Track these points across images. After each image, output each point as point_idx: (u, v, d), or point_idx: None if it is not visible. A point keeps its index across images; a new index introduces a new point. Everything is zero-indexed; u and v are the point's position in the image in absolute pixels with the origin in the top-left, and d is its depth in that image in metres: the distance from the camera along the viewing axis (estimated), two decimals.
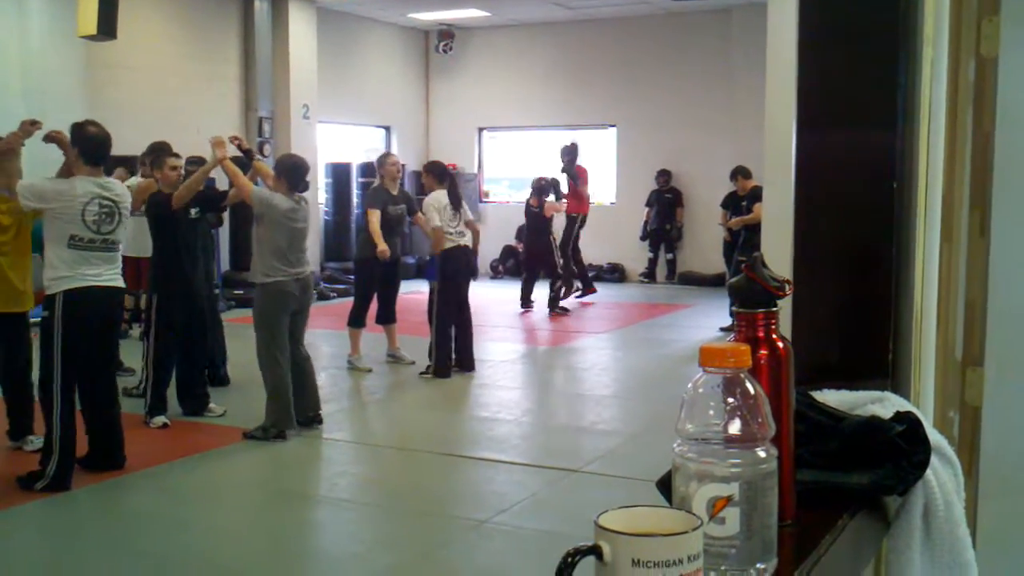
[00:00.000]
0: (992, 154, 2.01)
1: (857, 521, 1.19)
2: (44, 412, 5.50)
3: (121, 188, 5.78)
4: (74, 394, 5.53)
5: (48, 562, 4.78)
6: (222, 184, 8.36)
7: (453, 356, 8.68)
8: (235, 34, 14.61)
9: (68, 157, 5.80)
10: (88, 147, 5.54)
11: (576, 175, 13.33)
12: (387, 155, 9.07)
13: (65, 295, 5.37)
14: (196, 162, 7.85)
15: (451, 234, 8.47)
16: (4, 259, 5.89)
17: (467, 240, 8.62)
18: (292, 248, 6.62)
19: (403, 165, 16.82)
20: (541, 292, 12.91)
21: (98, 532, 5.15)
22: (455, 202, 8.54)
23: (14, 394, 6.16)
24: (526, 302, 12.92)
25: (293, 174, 6.73)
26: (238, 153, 7.40)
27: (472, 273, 8.83)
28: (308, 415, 6.86)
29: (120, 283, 5.68)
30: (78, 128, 5.62)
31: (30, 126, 5.78)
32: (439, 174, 8.74)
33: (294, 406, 6.80)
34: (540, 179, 12.76)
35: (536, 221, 12.56)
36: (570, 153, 13.47)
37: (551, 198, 12.70)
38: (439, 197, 8.50)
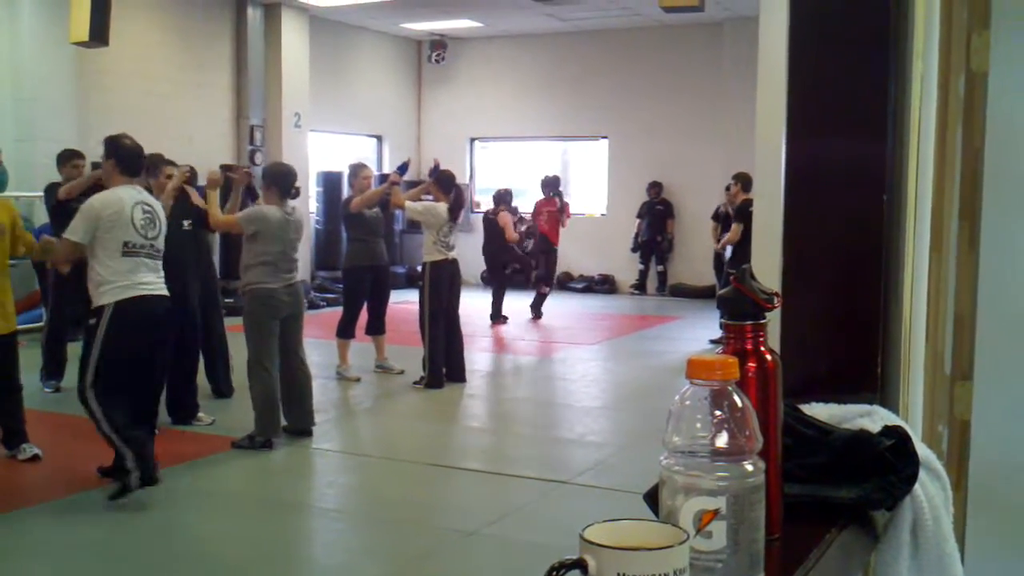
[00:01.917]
0: (982, 168, 2.01)
1: (845, 536, 1.18)
2: (95, 425, 5.41)
3: (152, 197, 5.86)
4: (114, 400, 5.45)
5: (37, 569, 4.75)
6: None
7: (444, 368, 8.68)
8: (227, 42, 14.60)
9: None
10: (124, 158, 5.63)
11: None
12: (361, 167, 9.03)
13: (116, 306, 5.35)
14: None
15: (442, 248, 8.48)
16: None
17: (456, 254, 8.64)
18: (284, 258, 6.63)
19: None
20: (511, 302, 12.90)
21: (85, 539, 5.11)
22: (454, 216, 8.56)
23: (3, 403, 6.09)
24: (497, 315, 12.75)
25: (283, 181, 6.75)
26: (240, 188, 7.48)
27: (459, 287, 8.84)
28: (298, 427, 6.83)
29: (166, 292, 5.66)
30: (113, 140, 5.71)
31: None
32: (446, 187, 8.74)
33: (287, 415, 6.78)
34: (500, 190, 12.93)
35: (491, 228, 12.49)
36: (552, 185, 13.72)
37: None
38: (439, 210, 8.51)
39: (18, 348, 6.17)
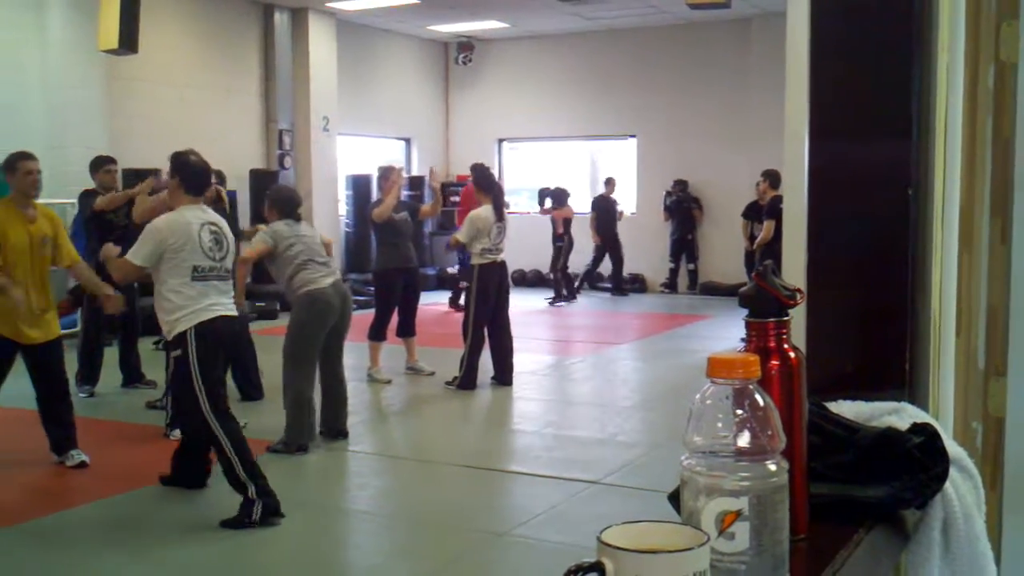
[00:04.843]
0: (1013, 160, 1.98)
1: (873, 535, 1.16)
2: (216, 450, 5.26)
3: (218, 215, 5.63)
4: (231, 417, 5.32)
5: (72, 572, 4.79)
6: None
7: (492, 372, 8.72)
8: (255, 47, 14.69)
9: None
10: (189, 176, 5.41)
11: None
12: (391, 169, 9.05)
13: (197, 330, 5.15)
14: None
15: (490, 251, 8.49)
16: (35, 295, 5.89)
17: (504, 256, 8.65)
18: (314, 253, 6.64)
19: (423, 177, 17.00)
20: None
21: (120, 542, 5.15)
22: (499, 214, 8.57)
23: (53, 410, 6.13)
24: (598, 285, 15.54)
25: (286, 205, 6.80)
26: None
27: (508, 290, 8.85)
28: (335, 428, 6.85)
29: (235, 313, 5.50)
30: (179, 157, 5.47)
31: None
32: (486, 185, 8.81)
33: (322, 417, 6.80)
34: (610, 177, 15.73)
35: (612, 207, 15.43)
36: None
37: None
38: (485, 216, 8.54)
39: (63, 353, 6.24)
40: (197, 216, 5.33)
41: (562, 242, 14.94)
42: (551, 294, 14.99)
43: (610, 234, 15.39)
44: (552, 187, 15.27)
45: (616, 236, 15.46)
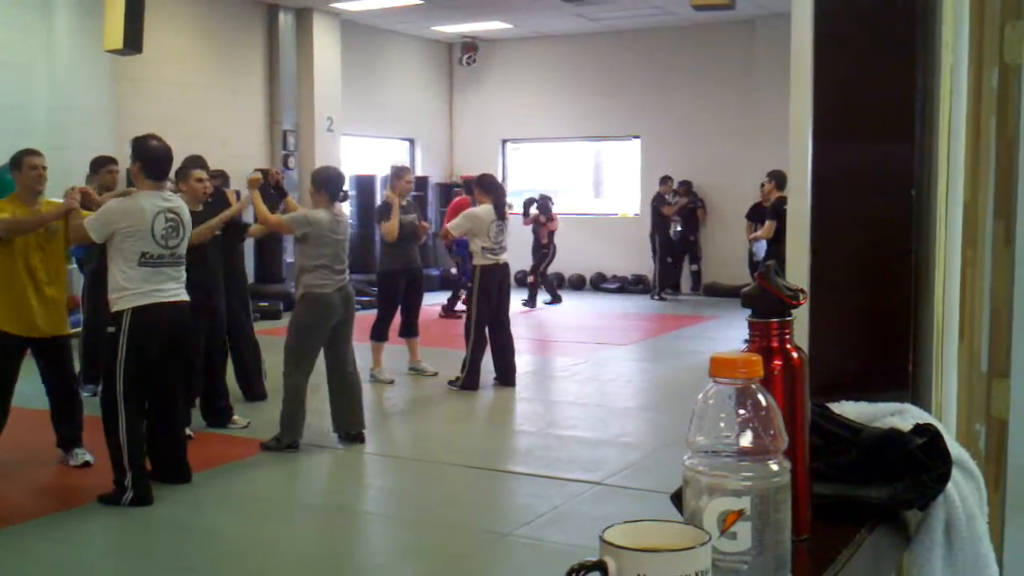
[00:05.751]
0: (1017, 162, 1.97)
1: (876, 536, 1.16)
2: (108, 429, 5.41)
3: (180, 201, 5.76)
4: (140, 409, 5.48)
5: (73, 573, 4.79)
6: (246, 215, 8.43)
7: (494, 373, 8.73)
8: (260, 47, 14.70)
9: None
10: (149, 161, 5.50)
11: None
12: (404, 169, 9.04)
13: (133, 312, 5.31)
14: (218, 175, 7.87)
15: (492, 251, 8.49)
16: (48, 284, 5.90)
17: (506, 257, 8.65)
18: (337, 260, 6.66)
19: (427, 178, 17.00)
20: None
21: (121, 542, 5.16)
22: (500, 213, 8.57)
23: (63, 407, 6.15)
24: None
25: (332, 185, 6.78)
26: (269, 189, 7.50)
27: (508, 291, 8.84)
28: (351, 432, 6.84)
29: (187, 298, 5.63)
30: (140, 142, 5.58)
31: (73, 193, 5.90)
32: (488, 189, 8.83)
33: (339, 421, 6.81)
34: (666, 176, 15.63)
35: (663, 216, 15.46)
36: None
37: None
38: (482, 214, 8.55)
39: (71, 350, 6.25)
40: (154, 203, 5.43)
41: (547, 250, 14.73)
42: (548, 296, 14.91)
43: (662, 235, 15.33)
44: (537, 196, 14.92)
45: (668, 237, 15.42)
